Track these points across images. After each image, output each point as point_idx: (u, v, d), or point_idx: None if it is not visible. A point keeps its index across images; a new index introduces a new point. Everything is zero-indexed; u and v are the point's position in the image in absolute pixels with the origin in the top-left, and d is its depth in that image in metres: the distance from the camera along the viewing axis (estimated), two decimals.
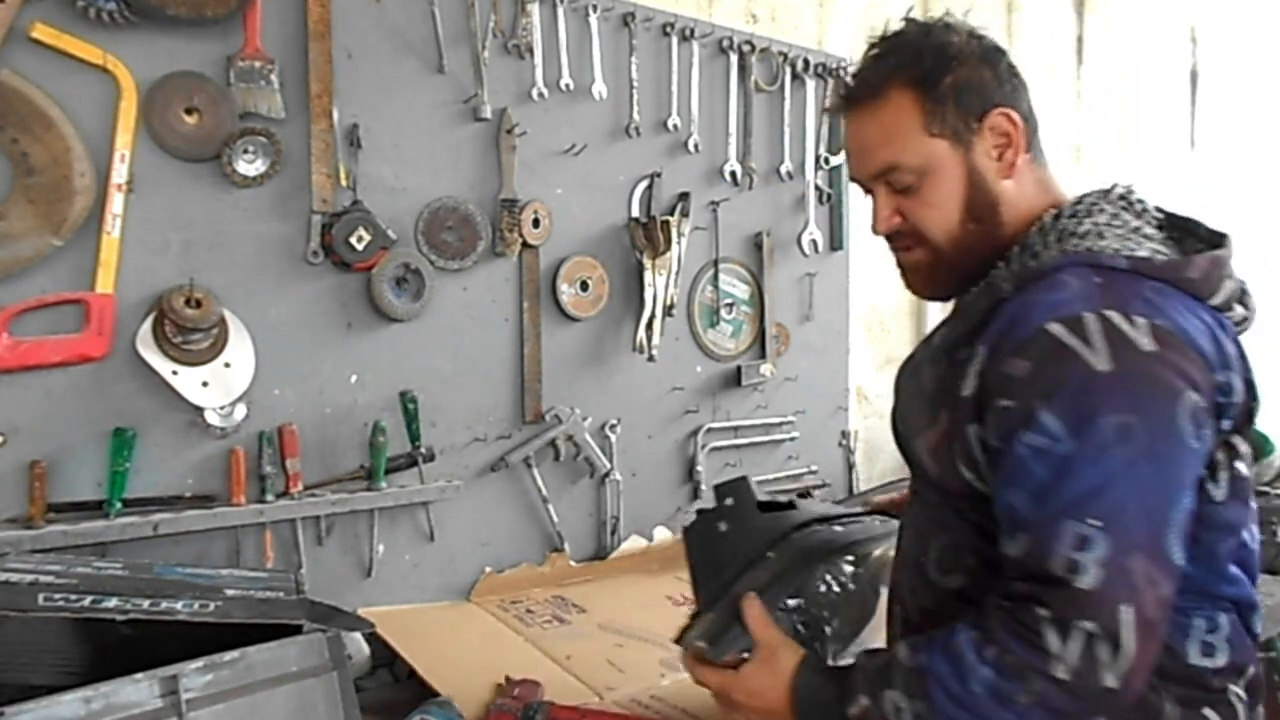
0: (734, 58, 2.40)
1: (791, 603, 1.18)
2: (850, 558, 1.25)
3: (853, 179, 1.19)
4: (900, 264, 1.20)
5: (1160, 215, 1.12)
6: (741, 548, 1.26)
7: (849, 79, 1.16)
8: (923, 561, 1.14)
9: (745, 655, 1.11)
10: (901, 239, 1.16)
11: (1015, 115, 1.09)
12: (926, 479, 1.14)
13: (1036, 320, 0.97)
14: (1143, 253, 1.03)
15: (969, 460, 1.04)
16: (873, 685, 1.00)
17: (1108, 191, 1.10)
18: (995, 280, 1.07)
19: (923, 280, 1.18)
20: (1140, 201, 1.11)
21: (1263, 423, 1.12)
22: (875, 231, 1.17)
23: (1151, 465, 0.91)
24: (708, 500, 2.40)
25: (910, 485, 1.25)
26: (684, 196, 2.31)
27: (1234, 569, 1.04)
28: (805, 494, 2.52)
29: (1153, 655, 0.92)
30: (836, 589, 1.23)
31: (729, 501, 1.30)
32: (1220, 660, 1.02)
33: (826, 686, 1.05)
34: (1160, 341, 0.93)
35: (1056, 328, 0.95)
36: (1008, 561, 0.97)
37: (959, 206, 1.10)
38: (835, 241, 2.64)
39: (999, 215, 1.10)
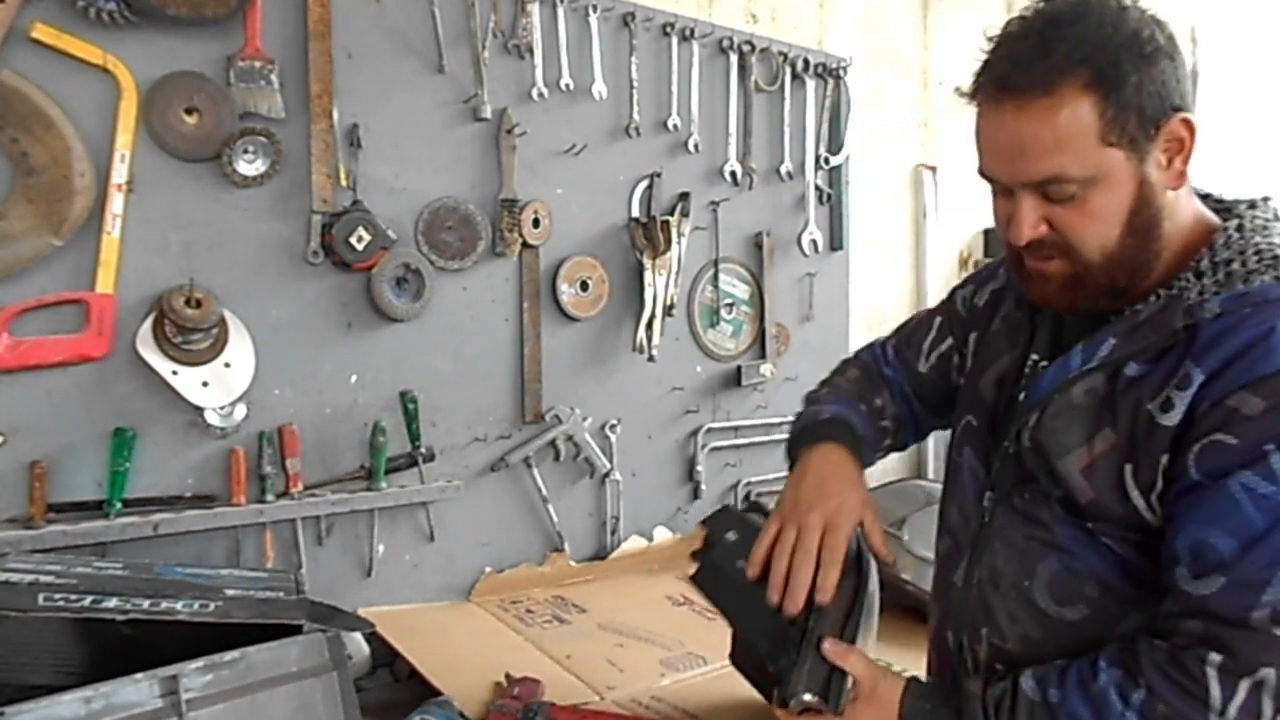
0: (734, 58, 2.40)
1: (867, 603, 1.17)
2: (872, 558, 1.21)
3: (984, 176, 1.02)
4: (1029, 271, 1.03)
5: None
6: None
7: (1003, 60, 0.96)
8: (1027, 585, 1.06)
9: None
10: (1043, 249, 1.00)
11: (1192, 119, 0.95)
12: (1045, 495, 1.04)
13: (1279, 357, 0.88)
14: None
15: (1147, 489, 0.95)
16: (990, 715, 0.97)
17: (1265, 201, 1.02)
18: (1186, 296, 0.96)
19: (1056, 291, 1.02)
20: None
21: None
22: (1012, 240, 1.00)
23: None
24: (707, 501, 2.40)
25: (984, 494, 1.13)
26: (684, 196, 2.31)
27: None
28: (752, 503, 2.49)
29: None
30: (874, 590, 1.20)
31: (731, 536, 1.28)
32: None
33: (939, 714, 1.03)
34: None
35: None
36: (1182, 599, 0.91)
37: (1122, 220, 0.96)
38: (835, 241, 2.64)
39: (1160, 229, 0.97)
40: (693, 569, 1.33)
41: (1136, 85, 0.92)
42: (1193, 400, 0.91)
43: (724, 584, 1.29)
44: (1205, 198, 1.05)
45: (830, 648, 1.07)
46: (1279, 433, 0.87)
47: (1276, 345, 0.89)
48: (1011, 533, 1.08)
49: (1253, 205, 1.02)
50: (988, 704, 0.97)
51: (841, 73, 2.59)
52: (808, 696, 1.07)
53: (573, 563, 2.17)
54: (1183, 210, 1.00)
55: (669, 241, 2.21)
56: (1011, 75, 0.94)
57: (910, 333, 1.46)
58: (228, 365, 1.69)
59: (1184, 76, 0.96)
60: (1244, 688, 0.85)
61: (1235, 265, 0.96)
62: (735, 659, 1.47)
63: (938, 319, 1.38)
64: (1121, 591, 0.96)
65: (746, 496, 2.47)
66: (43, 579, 1.23)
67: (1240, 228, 0.99)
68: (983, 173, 1.02)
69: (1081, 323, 1.06)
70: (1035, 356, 1.12)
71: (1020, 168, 0.96)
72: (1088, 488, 0.99)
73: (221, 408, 1.70)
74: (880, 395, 1.38)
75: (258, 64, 1.71)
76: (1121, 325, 1.00)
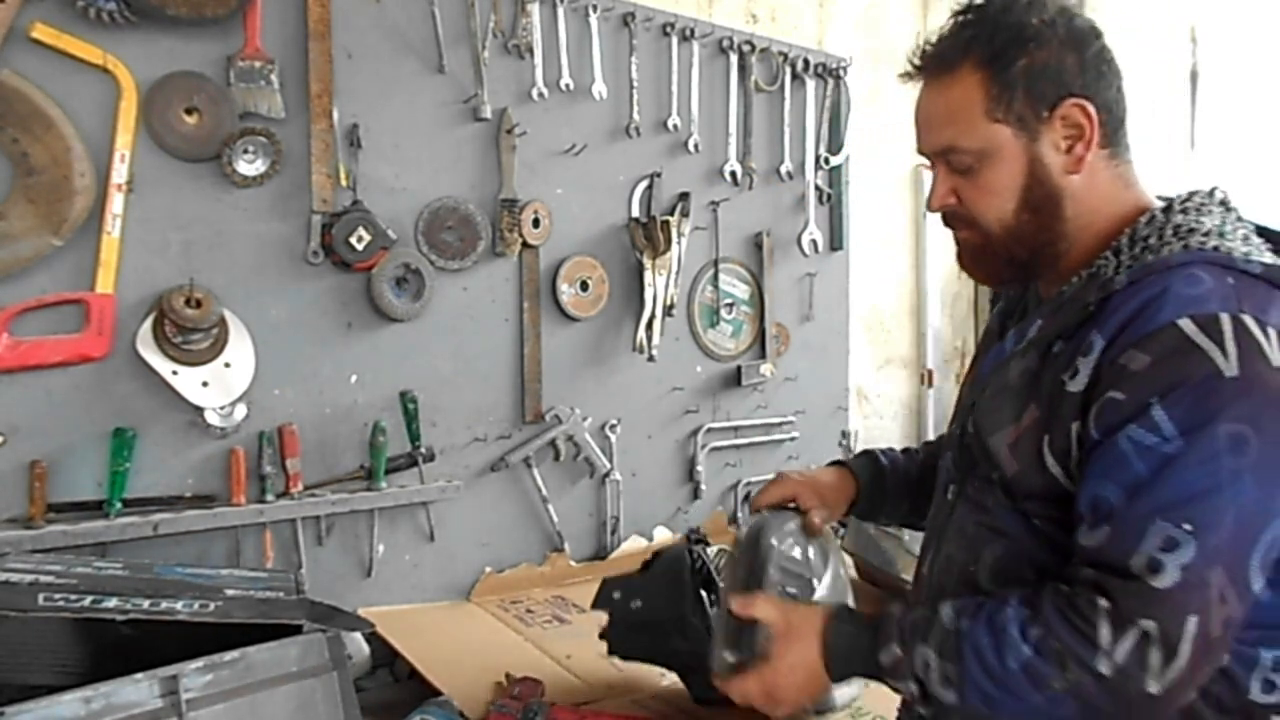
0: (734, 58, 2.40)
1: (775, 576, 1.23)
2: (792, 525, 1.29)
3: (918, 150, 1.13)
4: (955, 240, 1.14)
5: (1251, 224, 1.06)
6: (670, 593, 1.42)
7: (925, 45, 1.09)
8: (973, 570, 1.09)
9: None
10: (955, 219, 1.11)
11: (1091, 107, 1.02)
12: (989, 480, 1.08)
13: (1167, 314, 0.91)
14: (1266, 258, 0.97)
15: (1063, 457, 0.99)
16: (906, 637, 1.00)
17: (1210, 192, 1.05)
18: (1103, 272, 1.02)
19: (970, 260, 1.13)
20: (1235, 208, 1.05)
21: None
22: (929, 208, 1.12)
23: (1256, 482, 0.87)
24: (708, 501, 2.41)
25: (948, 487, 1.18)
26: (684, 196, 2.31)
27: None
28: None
29: (1203, 675, 0.89)
30: (798, 553, 1.27)
31: (617, 595, 1.50)
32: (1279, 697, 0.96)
33: (860, 635, 1.05)
34: None
35: (1188, 324, 0.90)
36: (1080, 551, 0.94)
37: (1015, 196, 1.04)
38: (835, 241, 2.64)
39: (1060, 209, 1.04)
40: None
41: (1024, 68, 1.01)
42: (1095, 365, 0.95)
43: (640, 633, 1.52)
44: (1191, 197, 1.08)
45: (736, 603, 1.14)
46: (1162, 386, 0.90)
47: (1166, 303, 0.92)
48: (965, 520, 1.12)
49: (1193, 195, 1.05)
50: (904, 625, 1.01)
51: (841, 73, 2.59)
52: (727, 654, 1.14)
53: (573, 563, 2.17)
54: (1101, 195, 1.05)
55: (669, 241, 2.21)
56: (926, 55, 1.08)
57: None
58: (228, 365, 1.69)
59: (1091, 67, 1.03)
60: (1131, 635, 0.87)
61: (1152, 240, 1.01)
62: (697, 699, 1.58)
63: None
64: (1053, 576, 0.98)
65: (746, 497, 2.47)
66: (43, 579, 1.23)
67: (1167, 209, 1.03)
68: (917, 149, 1.13)
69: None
70: None
71: (924, 139, 1.10)
72: (1013, 462, 1.04)
73: (221, 408, 1.70)
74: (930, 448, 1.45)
75: (258, 64, 1.71)
76: (1048, 306, 1.06)
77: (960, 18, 1.07)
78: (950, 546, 1.14)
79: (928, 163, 1.12)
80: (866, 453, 1.42)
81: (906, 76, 1.10)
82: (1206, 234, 0.99)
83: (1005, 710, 0.94)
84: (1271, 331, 0.90)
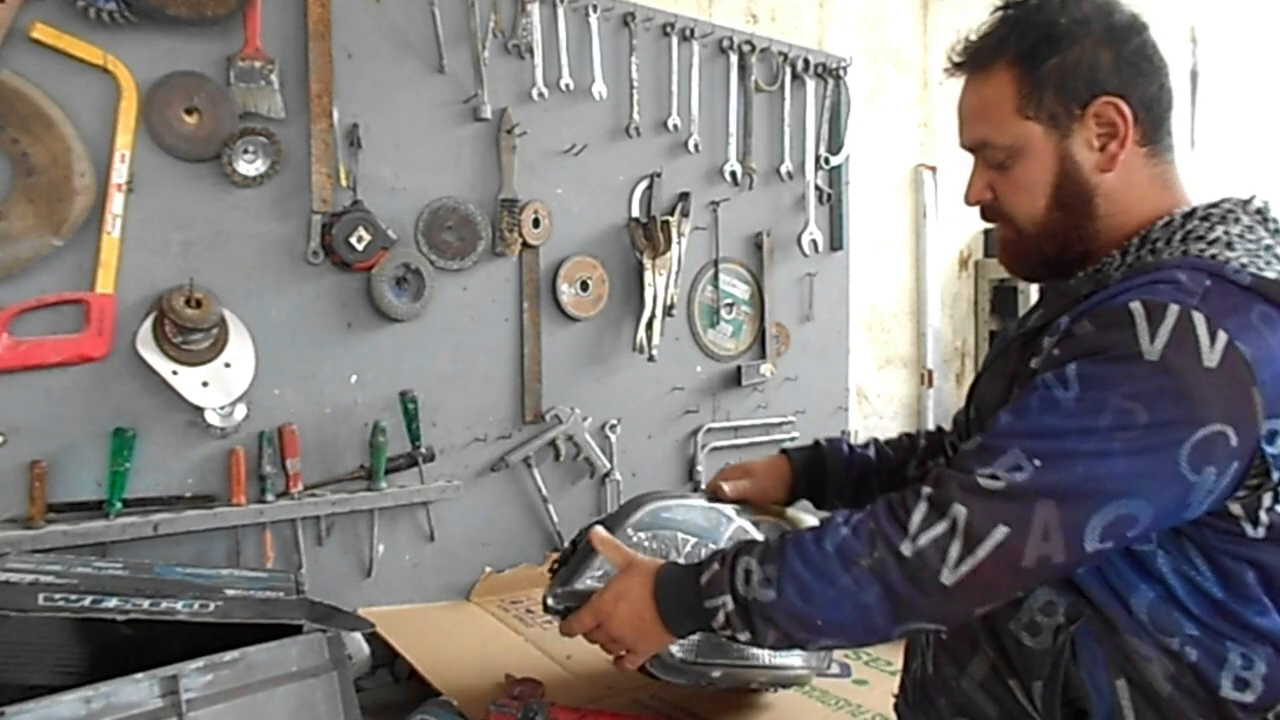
0: (734, 58, 2.40)
1: (641, 534, 1.29)
2: (687, 501, 1.36)
3: (960, 144, 1.16)
4: (996, 235, 1.17)
5: None
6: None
7: (964, 40, 1.11)
8: None
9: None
10: (991, 213, 1.13)
11: (1125, 105, 1.02)
12: None
13: (1126, 299, 0.93)
14: (1270, 273, 0.96)
15: None
16: (727, 556, 1.06)
17: (1247, 201, 1.04)
18: (1105, 269, 1.04)
19: (1008, 257, 1.15)
20: (1276, 220, 1.04)
21: None
22: (966, 201, 1.15)
23: (1126, 456, 0.90)
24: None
25: None
26: (684, 196, 2.31)
27: (1271, 606, 0.98)
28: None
29: (998, 591, 0.94)
30: (676, 514, 1.33)
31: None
32: (1251, 696, 0.96)
33: (689, 568, 1.10)
34: (1226, 365, 0.88)
35: (1137, 306, 0.92)
36: (954, 456, 0.99)
37: (1046, 193, 1.06)
38: (835, 241, 2.64)
39: (1092, 207, 1.05)
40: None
41: (1056, 65, 1.02)
42: (1054, 344, 0.99)
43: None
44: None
45: (592, 536, 1.23)
46: (1087, 349, 0.93)
47: (1132, 290, 0.95)
48: None
49: (1221, 202, 1.03)
50: (730, 550, 1.06)
51: (841, 73, 2.59)
52: (556, 589, 1.24)
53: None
54: (1136, 195, 1.05)
55: (669, 241, 2.21)
56: (964, 50, 1.10)
57: None
58: (228, 365, 1.69)
59: (1127, 64, 1.02)
60: (941, 525, 0.92)
61: (1159, 244, 1.01)
62: None
63: None
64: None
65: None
66: (43, 579, 1.23)
67: (1188, 215, 1.02)
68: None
69: None
70: None
71: (962, 133, 1.12)
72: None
73: (221, 408, 1.70)
74: (904, 445, 1.48)
75: (258, 64, 1.71)
76: (1053, 297, 1.10)
77: (997, 14, 1.08)
78: None
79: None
80: (814, 440, 1.48)
81: (948, 72, 1.13)
82: (1212, 242, 0.98)
83: (817, 599, 0.98)
84: (1221, 335, 0.89)
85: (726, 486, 1.39)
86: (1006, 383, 1.07)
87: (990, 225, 1.17)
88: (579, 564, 1.24)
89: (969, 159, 1.14)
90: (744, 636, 1.04)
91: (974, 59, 1.08)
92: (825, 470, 1.42)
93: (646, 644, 1.16)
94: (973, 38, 1.10)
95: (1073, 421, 0.91)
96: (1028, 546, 0.90)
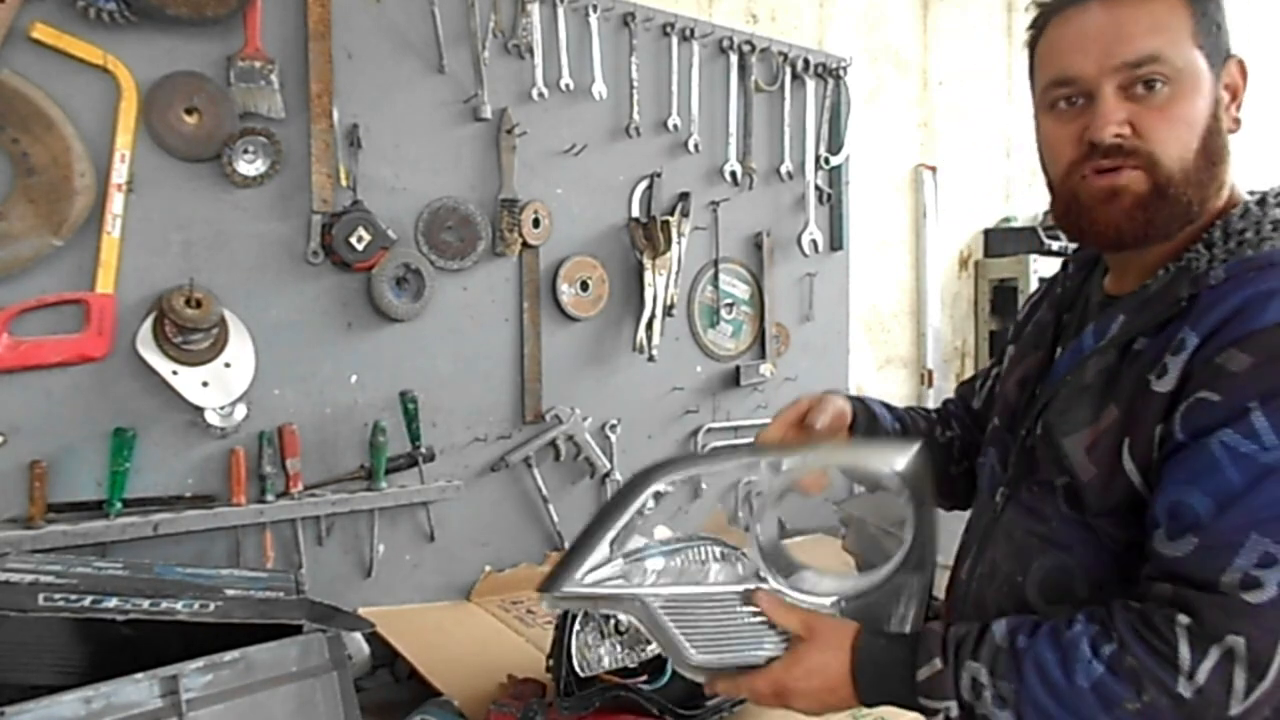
0: (734, 58, 2.40)
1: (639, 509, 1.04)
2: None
3: (1055, 82, 0.97)
4: (1094, 192, 0.96)
5: None
6: None
7: None
8: (1020, 581, 1.03)
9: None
10: (1121, 155, 0.94)
11: (1245, 64, 0.97)
12: (1050, 486, 1.01)
13: (1274, 314, 0.84)
14: None
15: (1143, 461, 0.91)
16: (949, 652, 0.92)
17: None
18: (1194, 265, 0.93)
19: (1127, 211, 0.95)
20: None
21: None
22: (1096, 137, 0.94)
23: None
24: (708, 501, 2.40)
25: (996, 490, 1.11)
26: (684, 196, 2.31)
27: None
28: None
29: None
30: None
31: None
32: None
33: (893, 647, 0.96)
34: None
35: None
36: (1156, 561, 0.87)
37: (1199, 136, 0.93)
38: (835, 241, 2.64)
39: (1224, 166, 0.96)
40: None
41: (1216, 8, 0.95)
42: (1186, 363, 0.88)
43: None
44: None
45: (759, 598, 1.02)
46: (1264, 389, 0.83)
47: (1273, 302, 0.85)
48: (1014, 527, 1.06)
49: None
50: (948, 641, 0.92)
51: (841, 73, 2.59)
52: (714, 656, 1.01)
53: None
54: (1227, 175, 0.97)
55: (669, 241, 2.21)
56: None
57: (971, 379, 1.44)
58: (228, 365, 1.69)
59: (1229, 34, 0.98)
60: (1214, 654, 0.81)
61: (1249, 234, 0.93)
62: None
63: (993, 359, 1.37)
64: (1112, 593, 0.91)
65: (747, 496, 2.47)
66: (43, 579, 1.23)
67: (1262, 202, 0.96)
68: (1060, 82, 0.97)
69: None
70: (1061, 351, 1.10)
71: (1115, 50, 0.93)
72: (1089, 465, 0.96)
73: (221, 408, 1.70)
74: (923, 414, 1.36)
75: (258, 64, 1.71)
76: (1132, 301, 0.98)
77: None
78: (995, 554, 1.07)
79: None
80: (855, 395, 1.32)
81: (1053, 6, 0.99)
82: None
83: None
84: None
85: (821, 419, 1.18)
86: (1091, 399, 0.97)
87: (1120, 163, 0.94)
88: (580, 553, 1.03)
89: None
90: None
91: None
92: (878, 427, 1.28)
93: (830, 711, 1.02)
94: None
95: None
96: None
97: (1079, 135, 0.96)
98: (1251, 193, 0.99)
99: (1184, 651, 0.82)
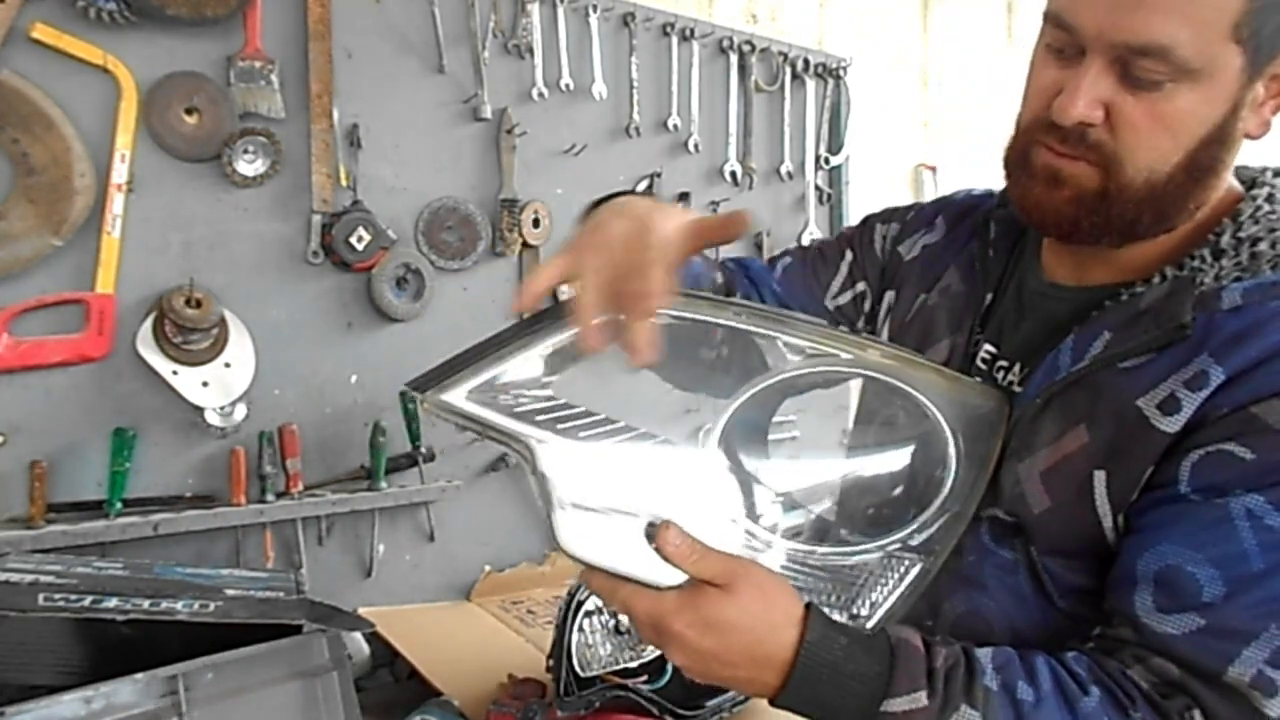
0: (734, 58, 2.39)
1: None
2: None
3: (1058, 25, 0.79)
4: (1039, 167, 0.82)
5: None
6: None
7: None
8: (930, 627, 0.90)
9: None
10: (1081, 145, 0.79)
11: None
12: (1004, 524, 0.86)
13: None
14: None
15: (1121, 502, 0.78)
16: (938, 689, 0.73)
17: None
18: (1200, 281, 0.79)
19: (1063, 204, 0.82)
20: None
21: None
22: (1057, 115, 0.78)
23: None
24: None
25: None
26: (684, 196, 2.31)
27: None
28: None
29: None
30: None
31: None
32: None
33: (857, 654, 0.74)
34: None
35: None
36: (1145, 633, 0.74)
37: (1189, 145, 0.78)
38: None
39: (1214, 180, 0.81)
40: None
41: (1275, 4, 0.74)
42: (1204, 403, 0.74)
43: None
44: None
45: (670, 537, 0.79)
46: None
47: None
48: (967, 574, 0.89)
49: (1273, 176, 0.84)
50: (936, 670, 0.74)
51: (841, 73, 2.59)
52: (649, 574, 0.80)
53: (574, 562, 2.16)
54: (1229, 173, 0.84)
55: None
56: None
57: (814, 259, 1.19)
58: (228, 365, 1.69)
59: None
60: None
61: (1263, 246, 0.79)
62: None
63: (848, 255, 1.15)
64: (1031, 647, 0.78)
65: None
66: (43, 579, 1.23)
67: (1271, 198, 0.82)
68: (1056, 23, 0.79)
69: (1046, 315, 0.90)
70: (990, 348, 0.95)
71: (1124, 21, 0.74)
72: (1042, 496, 0.82)
73: (221, 408, 1.70)
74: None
75: (258, 64, 1.71)
76: (1118, 314, 0.82)
77: None
78: (950, 589, 0.91)
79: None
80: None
81: None
82: None
83: None
84: None
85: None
86: (1062, 420, 0.82)
87: (1078, 152, 0.80)
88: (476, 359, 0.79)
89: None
90: None
91: None
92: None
93: (713, 681, 0.78)
94: None
95: None
96: None
97: (1055, 94, 0.79)
98: (1252, 181, 0.85)
99: None
